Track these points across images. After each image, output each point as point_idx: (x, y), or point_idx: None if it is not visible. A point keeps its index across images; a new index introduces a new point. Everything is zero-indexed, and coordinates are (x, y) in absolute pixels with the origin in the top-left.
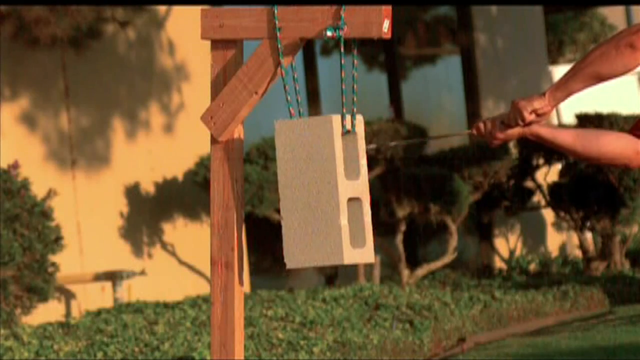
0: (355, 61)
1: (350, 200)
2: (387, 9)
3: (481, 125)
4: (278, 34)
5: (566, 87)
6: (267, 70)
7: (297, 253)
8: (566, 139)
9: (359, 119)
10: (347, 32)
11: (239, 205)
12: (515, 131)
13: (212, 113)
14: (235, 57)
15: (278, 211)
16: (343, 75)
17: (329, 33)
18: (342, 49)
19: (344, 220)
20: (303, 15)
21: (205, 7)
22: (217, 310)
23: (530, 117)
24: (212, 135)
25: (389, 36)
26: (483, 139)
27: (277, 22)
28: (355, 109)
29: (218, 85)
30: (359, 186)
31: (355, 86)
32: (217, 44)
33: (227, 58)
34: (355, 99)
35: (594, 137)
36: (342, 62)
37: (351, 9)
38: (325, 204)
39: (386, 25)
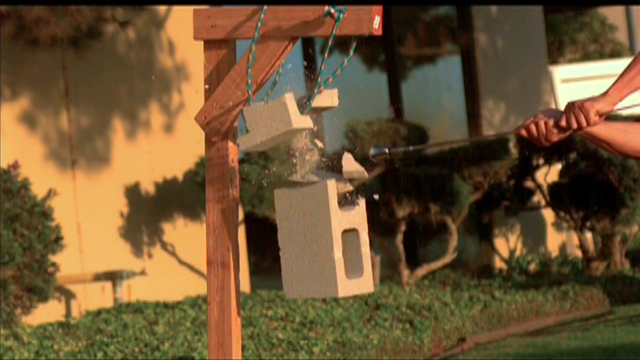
0: (352, 52)
1: (348, 230)
2: (377, 6)
3: (532, 127)
4: (257, 32)
5: (632, 84)
6: (260, 69)
7: (294, 284)
8: (617, 135)
9: (334, 93)
10: (338, 30)
11: (234, 205)
12: (567, 132)
13: (206, 113)
14: (228, 57)
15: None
16: (327, 56)
17: (332, 10)
18: (334, 31)
19: (338, 253)
20: (295, 14)
21: (205, 7)
22: (213, 311)
23: (595, 118)
24: (206, 135)
25: (379, 33)
26: (530, 140)
27: (262, 16)
28: (322, 89)
29: (212, 85)
30: (355, 217)
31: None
32: (210, 44)
33: (220, 58)
34: (331, 79)
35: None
36: (331, 42)
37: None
38: (319, 236)
39: (377, 22)
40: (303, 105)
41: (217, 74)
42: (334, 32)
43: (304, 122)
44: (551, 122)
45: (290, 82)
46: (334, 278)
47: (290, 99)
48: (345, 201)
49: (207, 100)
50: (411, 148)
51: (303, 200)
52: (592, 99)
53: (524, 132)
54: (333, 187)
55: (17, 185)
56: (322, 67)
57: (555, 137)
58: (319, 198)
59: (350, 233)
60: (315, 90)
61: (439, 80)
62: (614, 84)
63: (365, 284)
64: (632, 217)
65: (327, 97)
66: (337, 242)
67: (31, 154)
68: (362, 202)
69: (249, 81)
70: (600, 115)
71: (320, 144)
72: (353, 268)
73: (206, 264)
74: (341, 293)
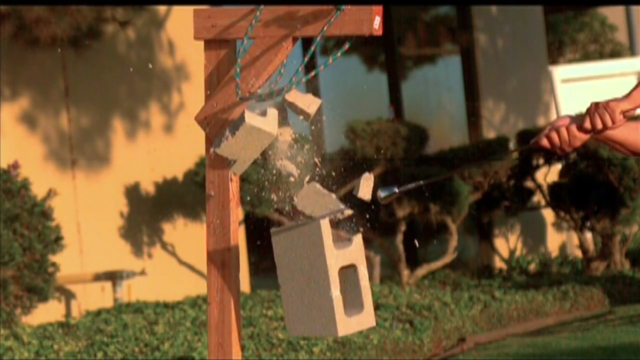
0: (339, 54)
1: (345, 267)
2: (377, 7)
3: (554, 135)
4: (251, 28)
5: None
6: (260, 69)
7: (296, 322)
8: (630, 135)
9: (315, 101)
10: (338, 30)
11: (234, 205)
12: (588, 135)
13: (206, 113)
14: (228, 57)
15: (278, 211)
16: (319, 38)
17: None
18: (332, 19)
19: (335, 292)
20: (295, 14)
21: (205, 7)
22: (213, 311)
23: (620, 117)
24: (206, 136)
25: (380, 33)
26: (551, 149)
27: (258, 14)
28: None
29: (212, 85)
30: (352, 253)
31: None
32: (210, 44)
33: (220, 58)
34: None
35: None
36: (325, 27)
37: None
38: (317, 275)
39: (377, 22)
40: (273, 94)
41: (218, 74)
42: (332, 20)
43: (273, 120)
44: (573, 127)
45: (289, 82)
46: (333, 317)
47: (250, 117)
48: (342, 227)
49: (207, 100)
50: (422, 182)
51: (299, 240)
52: (616, 100)
53: (546, 142)
54: (327, 227)
55: (17, 185)
56: (308, 55)
57: (579, 142)
58: (313, 238)
59: (347, 269)
60: (294, 79)
61: (439, 80)
62: (637, 86)
63: (366, 319)
64: (632, 217)
65: (306, 100)
66: (334, 281)
67: (31, 154)
68: (358, 236)
69: (237, 80)
70: (624, 116)
71: (316, 161)
72: (353, 303)
73: (206, 264)
74: (341, 332)
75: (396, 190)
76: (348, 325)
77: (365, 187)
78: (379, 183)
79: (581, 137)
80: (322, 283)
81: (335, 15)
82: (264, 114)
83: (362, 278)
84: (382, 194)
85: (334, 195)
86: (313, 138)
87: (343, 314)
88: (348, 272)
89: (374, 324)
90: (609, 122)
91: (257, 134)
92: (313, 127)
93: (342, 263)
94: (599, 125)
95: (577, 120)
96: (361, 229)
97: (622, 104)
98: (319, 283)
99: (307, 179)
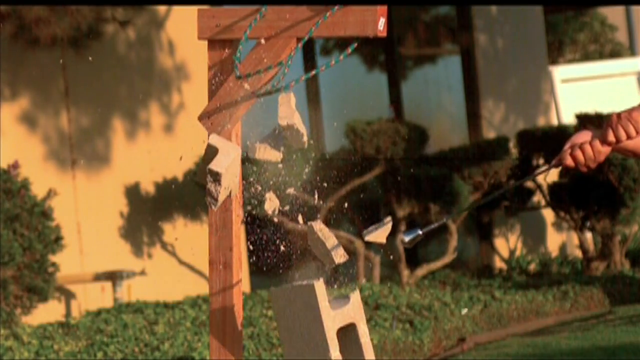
0: (342, 57)
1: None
2: (382, 8)
3: (579, 154)
4: (253, 24)
5: None
6: (264, 70)
7: None
8: None
9: (294, 116)
10: (343, 31)
11: (236, 205)
12: (611, 148)
13: (209, 113)
14: (231, 57)
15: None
16: (306, 38)
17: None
18: (322, 20)
19: (334, 354)
20: (298, 15)
21: (205, 7)
22: (215, 311)
23: None
24: (209, 135)
25: (384, 35)
26: (575, 168)
27: (259, 15)
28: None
29: (215, 84)
30: (350, 311)
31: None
32: (214, 44)
33: (223, 57)
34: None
35: None
36: (315, 28)
37: (346, 8)
38: (315, 336)
39: (381, 23)
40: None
41: (221, 74)
42: (320, 21)
43: (222, 142)
44: (596, 142)
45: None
46: None
47: (218, 166)
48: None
49: (210, 100)
50: (445, 219)
51: (295, 299)
52: (636, 109)
53: (570, 162)
54: (321, 289)
55: (17, 185)
56: (289, 57)
57: (603, 156)
58: (309, 300)
59: (347, 327)
60: (275, 84)
61: (439, 80)
62: None
63: None
64: (632, 217)
65: (286, 111)
66: (332, 342)
67: (31, 154)
68: (356, 294)
69: (237, 62)
70: None
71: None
72: None
73: (208, 264)
74: None
75: (420, 232)
76: None
77: (373, 229)
78: (379, 183)
79: (605, 151)
80: (320, 344)
81: (324, 17)
82: (214, 151)
83: (362, 335)
84: (406, 238)
85: (332, 240)
86: (314, 165)
87: None
88: (348, 330)
89: None
90: (633, 133)
91: (232, 165)
92: (313, 141)
93: (340, 323)
94: (623, 137)
95: (598, 134)
96: (359, 285)
97: None
98: (317, 344)
99: (299, 218)
